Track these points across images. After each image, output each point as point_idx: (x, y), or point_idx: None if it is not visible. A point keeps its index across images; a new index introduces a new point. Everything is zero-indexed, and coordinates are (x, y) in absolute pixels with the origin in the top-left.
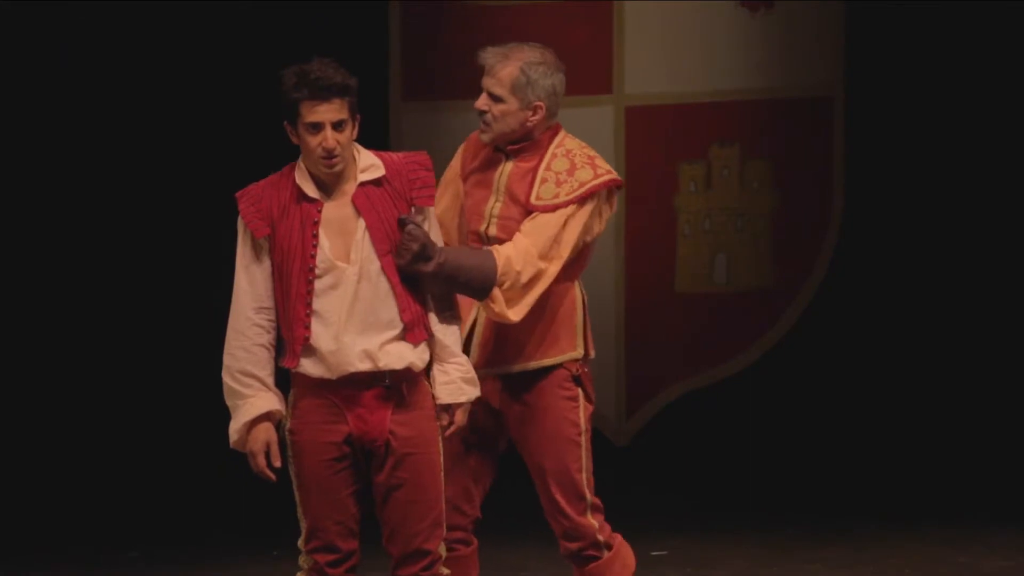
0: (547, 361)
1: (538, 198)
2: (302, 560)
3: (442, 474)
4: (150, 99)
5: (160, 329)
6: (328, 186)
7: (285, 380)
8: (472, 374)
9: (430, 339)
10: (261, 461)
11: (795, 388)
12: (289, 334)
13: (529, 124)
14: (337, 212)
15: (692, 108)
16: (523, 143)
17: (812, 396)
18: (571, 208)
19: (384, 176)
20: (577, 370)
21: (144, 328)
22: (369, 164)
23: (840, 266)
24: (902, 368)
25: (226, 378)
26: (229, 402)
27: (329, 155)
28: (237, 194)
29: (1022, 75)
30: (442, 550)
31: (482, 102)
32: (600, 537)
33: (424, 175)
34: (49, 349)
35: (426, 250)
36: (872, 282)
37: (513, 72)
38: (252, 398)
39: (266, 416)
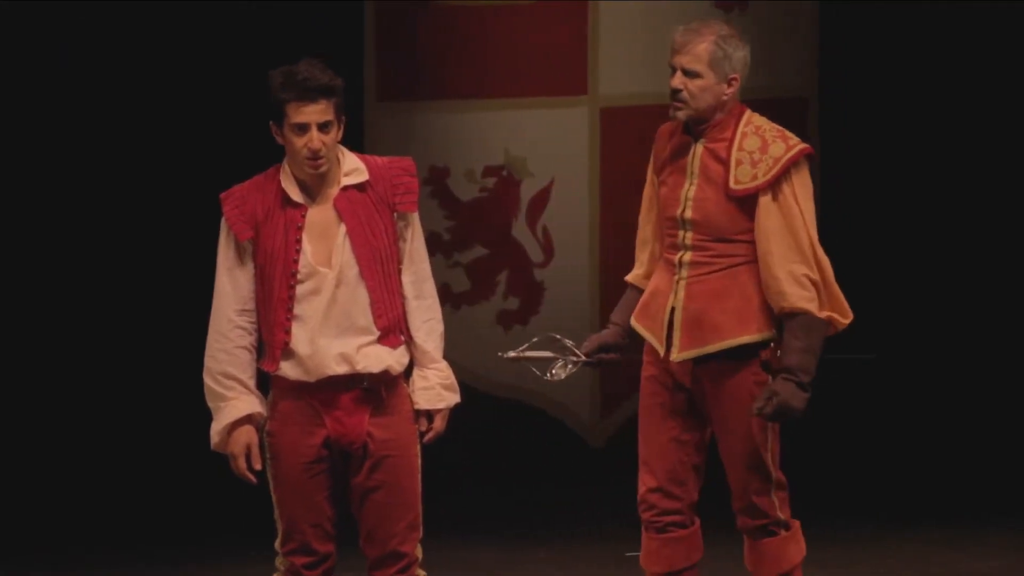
0: (745, 339)
1: (737, 182)
2: (278, 562)
3: (419, 476)
4: (130, 99)
5: (148, 330)
6: (312, 189)
7: (266, 382)
8: (452, 380)
9: (410, 344)
10: (242, 464)
11: None
12: (269, 337)
13: (724, 98)
14: (320, 216)
15: (666, 109)
16: (713, 121)
17: None
18: (785, 190)
19: (367, 181)
20: (768, 356)
21: (131, 329)
22: (353, 168)
23: None
24: (882, 368)
25: (207, 380)
26: (211, 404)
27: (315, 156)
28: (222, 195)
29: (995, 75)
30: (418, 552)
31: (677, 80)
32: (781, 515)
33: (408, 181)
34: (34, 350)
35: (797, 397)
36: (847, 282)
37: (709, 46)
38: (233, 400)
39: (247, 419)
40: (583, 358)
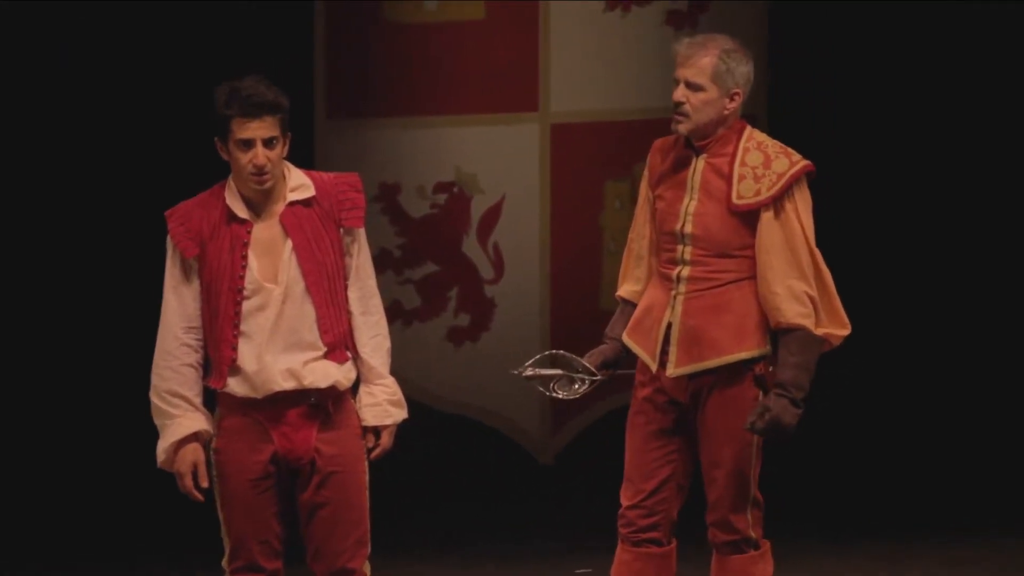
0: (743, 355)
1: (739, 197)
2: None
3: (367, 492)
4: (70, 115)
5: (95, 347)
6: (257, 205)
7: (212, 399)
8: (399, 396)
9: (357, 360)
10: (188, 482)
11: None
12: (216, 354)
13: (726, 112)
14: (266, 232)
15: (617, 126)
16: (714, 136)
17: None
18: (787, 206)
19: (314, 196)
20: (761, 371)
21: (77, 345)
22: (299, 184)
23: None
24: (836, 378)
25: (154, 398)
26: (157, 422)
27: (259, 172)
28: (166, 213)
29: (947, 90)
30: (367, 569)
31: (679, 93)
32: (752, 534)
33: (354, 196)
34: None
35: (790, 414)
36: None
37: (713, 60)
38: (180, 418)
39: (194, 436)
40: (597, 375)
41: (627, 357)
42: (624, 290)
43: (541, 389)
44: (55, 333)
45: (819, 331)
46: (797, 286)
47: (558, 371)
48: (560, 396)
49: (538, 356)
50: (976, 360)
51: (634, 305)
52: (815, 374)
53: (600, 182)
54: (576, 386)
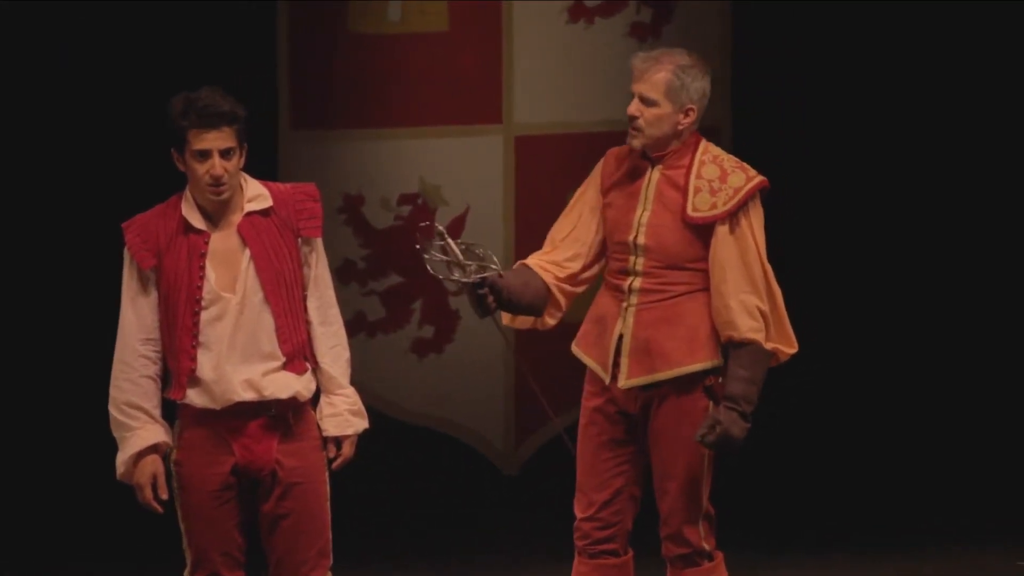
0: (695, 367)
1: (695, 209)
2: None
3: (328, 503)
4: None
5: (53, 358)
6: (214, 216)
7: (171, 410)
8: (359, 406)
9: (317, 370)
10: (148, 493)
11: None
12: (175, 365)
13: (680, 127)
14: (223, 243)
15: (581, 137)
16: (669, 149)
17: None
18: (742, 221)
19: (271, 206)
20: (712, 382)
21: (36, 356)
22: (256, 194)
23: None
24: (792, 387)
25: (112, 410)
26: (116, 434)
27: (216, 183)
28: (123, 224)
29: (912, 94)
30: None
31: (634, 108)
32: (705, 546)
33: (311, 206)
34: None
35: (739, 427)
36: None
37: (667, 76)
38: (139, 430)
39: (153, 448)
40: (470, 278)
41: (507, 295)
42: (530, 258)
43: (431, 268)
44: (11, 342)
45: (768, 345)
46: (750, 300)
47: (448, 258)
48: (438, 276)
49: (459, 241)
50: (943, 366)
51: (528, 269)
52: (763, 389)
53: (563, 193)
54: (455, 275)
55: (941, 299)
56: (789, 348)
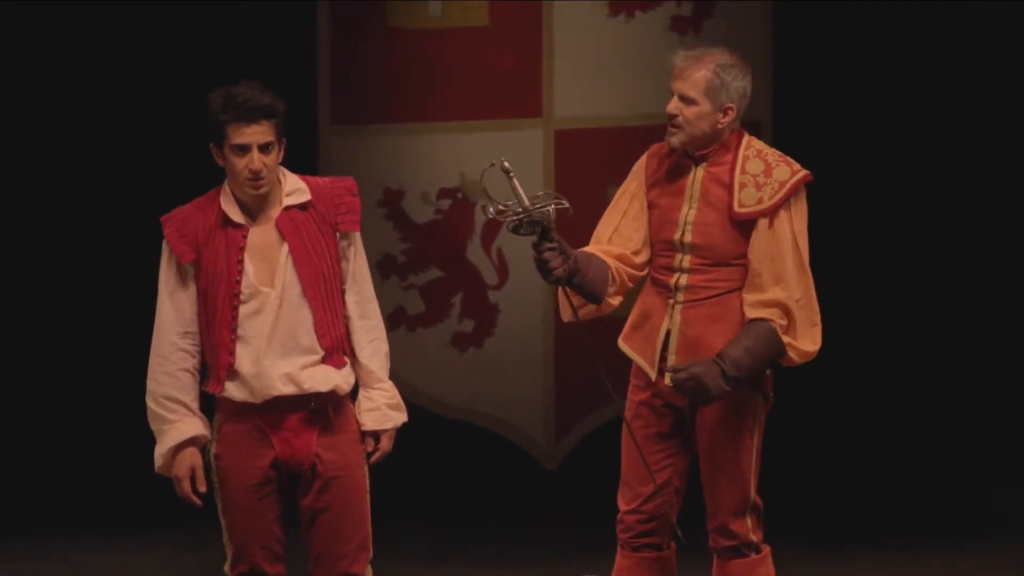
0: None
1: (741, 205)
2: None
3: (368, 497)
4: (67, 122)
5: (92, 352)
6: (253, 210)
7: (209, 403)
8: (398, 400)
9: (355, 364)
10: (186, 486)
11: None
12: (214, 359)
13: (720, 126)
14: (262, 237)
15: (621, 131)
16: (712, 147)
17: None
18: (783, 215)
19: (310, 200)
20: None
21: (75, 351)
22: (295, 188)
23: None
24: (838, 386)
25: (150, 403)
26: (154, 427)
27: (255, 177)
28: (162, 218)
29: (949, 96)
30: (369, 573)
31: (673, 106)
32: (753, 538)
33: (350, 200)
34: None
35: (716, 383)
36: None
37: (707, 74)
38: (177, 423)
39: (191, 441)
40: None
41: (578, 269)
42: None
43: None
44: (50, 337)
45: (784, 338)
46: (779, 293)
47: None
48: (493, 210)
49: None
50: (983, 363)
51: (586, 252)
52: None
53: (603, 188)
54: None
55: (965, 297)
56: (810, 346)
